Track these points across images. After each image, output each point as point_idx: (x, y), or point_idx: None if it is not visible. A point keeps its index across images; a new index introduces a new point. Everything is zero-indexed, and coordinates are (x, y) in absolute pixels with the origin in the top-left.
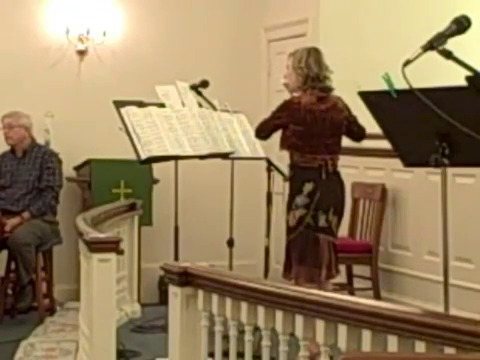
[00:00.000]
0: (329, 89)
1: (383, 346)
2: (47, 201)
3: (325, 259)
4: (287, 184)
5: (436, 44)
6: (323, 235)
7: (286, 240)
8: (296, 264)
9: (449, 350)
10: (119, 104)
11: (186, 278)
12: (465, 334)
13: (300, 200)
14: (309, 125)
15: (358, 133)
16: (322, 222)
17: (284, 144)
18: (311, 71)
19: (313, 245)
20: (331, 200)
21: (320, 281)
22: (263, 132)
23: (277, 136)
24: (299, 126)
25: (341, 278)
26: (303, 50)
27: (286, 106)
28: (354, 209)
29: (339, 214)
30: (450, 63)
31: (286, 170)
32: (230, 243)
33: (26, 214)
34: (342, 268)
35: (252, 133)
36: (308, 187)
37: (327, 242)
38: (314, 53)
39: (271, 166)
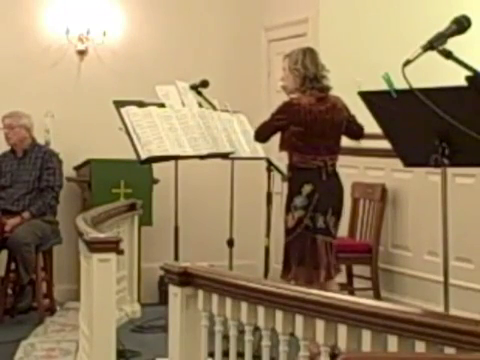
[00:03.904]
0: (327, 88)
1: (383, 346)
2: (47, 201)
3: (323, 260)
4: (286, 184)
5: (436, 44)
6: (321, 236)
7: (285, 241)
8: (295, 265)
9: (449, 350)
10: (119, 104)
11: (186, 278)
12: (465, 334)
13: (299, 201)
14: (309, 126)
15: (358, 132)
16: (320, 223)
17: (284, 145)
18: (308, 72)
19: (311, 246)
20: (330, 201)
21: (320, 282)
22: (263, 135)
23: (276, 137)
24: (299, 127)
25: (341, 278)
26: (298, 51)
27: (285, 108)
28: (354, 209)
29: (337, 215)
30: (450, 63)
31: (286, 170)
32: (230, 243)
33: (26, 214)
34: (342, 268)
35: (252, 133)
36: (307, 188)
37: (325, 243)
38: (310, 53)
39: (271, 166)
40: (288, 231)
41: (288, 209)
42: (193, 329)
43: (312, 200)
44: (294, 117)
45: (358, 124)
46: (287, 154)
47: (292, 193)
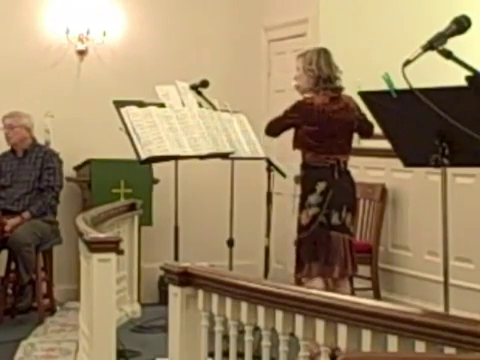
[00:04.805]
0: (340, 89)
1: (383, 346)
2: (47, 201)
3: (339, 256)
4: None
5: (436, 44)
6: (336, 233)
7: (297, 238)
8: (308, 261)
9: (449, 350)
10: (119, 104)
11: (186, 278)
12: (465, 334)
13: (313, 199)
14: (322, 125)
15: (368, 130)
16: (335, 220)
17: (297, 143)
18: (322, 72)
19: (326, 243)
20: (344, 198)
21: (334, 278)
22: (273, 130)
23: (282, 136)
24: (312, 126)
25: None
26: (313, 51)
27: (299, 107)
28: None
29: (352, 211)
30: (450, 63)
31: (288, 170)
32: (230, 243)
33: (26, 214)
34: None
35: (252, 133)
36: (321, 186)
37: (341, 240)
38: (324, 54)
39: (271, 166)
40: (301, 228)
41: (302, 207)
42: (193, 329)
43: (326, 197)
44: (307, 116)
45: (368, 122)
46: (300, 152)
47: (306, 191)
